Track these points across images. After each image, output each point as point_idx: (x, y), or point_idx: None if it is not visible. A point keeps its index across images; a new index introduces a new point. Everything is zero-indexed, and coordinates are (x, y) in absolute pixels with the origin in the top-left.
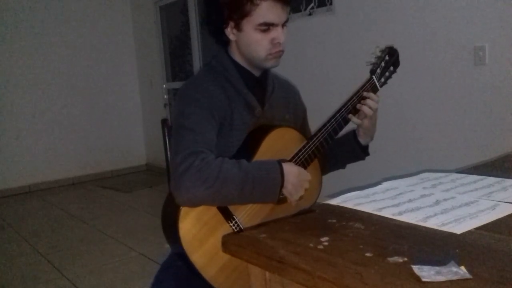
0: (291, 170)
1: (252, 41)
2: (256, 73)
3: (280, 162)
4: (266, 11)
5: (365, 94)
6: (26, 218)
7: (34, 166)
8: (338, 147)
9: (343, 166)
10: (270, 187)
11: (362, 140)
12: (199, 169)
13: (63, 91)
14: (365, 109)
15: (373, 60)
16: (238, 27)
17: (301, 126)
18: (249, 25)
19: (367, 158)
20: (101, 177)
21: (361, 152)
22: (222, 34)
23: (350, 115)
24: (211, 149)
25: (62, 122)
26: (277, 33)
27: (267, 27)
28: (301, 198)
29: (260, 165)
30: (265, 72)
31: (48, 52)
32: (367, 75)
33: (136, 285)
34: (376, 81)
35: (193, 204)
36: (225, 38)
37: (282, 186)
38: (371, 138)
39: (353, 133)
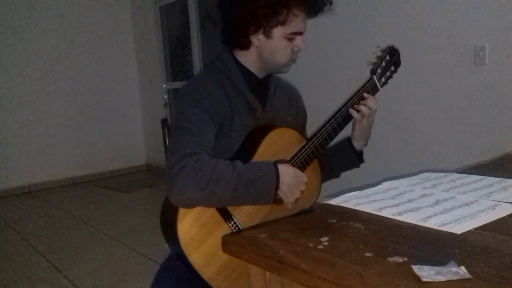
0: (286, 172)
1: (279, 48)
2: (260, 75)
3: (275, 163)
4: (300, 22)
5: (365, 95)
6: (26, 218)
7: (34, 166)
8: (333, 155)
9: (337, 175)
10: (264, 188)
11: (356, 145)
12: (192, 170)
13: (63, 91)
14: (362, 108)
15: (374, 60)
16: (267, 34)
17: (300, 130)
18: (280, 33)
19: (366, 159)
20: (101, 177)
21: (356, 158)
22: (246, 38)
23: (350, 110)
24: (208, 151)
25: (62, 122)
26: (300, 42)
27: (294, 36)
28: (297, 200)
29: (255, 166)
30: (269, 74)
31: (48, 52)
32: (367, 75)
33: (136, 285)
34: (376, 81)
35: (187, 205)
36: (245, 41)
37: (277, 187)
38: (365, 143)
39: (348, 140)
